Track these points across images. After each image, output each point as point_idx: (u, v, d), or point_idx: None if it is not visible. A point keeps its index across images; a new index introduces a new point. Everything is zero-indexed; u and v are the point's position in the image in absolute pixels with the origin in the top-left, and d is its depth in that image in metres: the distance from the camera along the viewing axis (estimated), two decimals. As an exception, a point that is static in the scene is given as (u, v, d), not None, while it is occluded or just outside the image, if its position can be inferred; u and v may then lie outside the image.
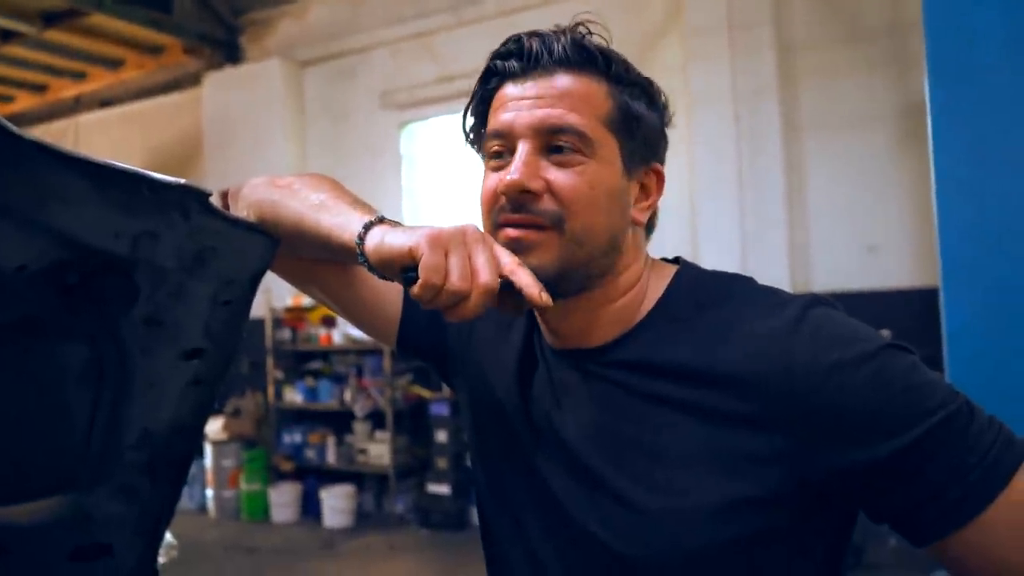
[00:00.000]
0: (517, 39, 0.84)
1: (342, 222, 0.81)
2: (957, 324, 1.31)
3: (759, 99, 4.80)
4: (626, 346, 0.84)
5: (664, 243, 4.69)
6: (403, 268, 0.73)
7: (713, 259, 4.69)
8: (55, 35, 6.36)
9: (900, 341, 0.75)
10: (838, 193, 4.79)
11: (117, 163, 0.63)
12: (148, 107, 7.64)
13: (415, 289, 0.70)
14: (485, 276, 0.71)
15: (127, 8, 6.01)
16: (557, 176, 0.79)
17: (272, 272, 0.96)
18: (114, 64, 7.09)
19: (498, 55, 0.85)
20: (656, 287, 0.86)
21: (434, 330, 1.04)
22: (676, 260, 0.91)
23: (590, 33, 0.84)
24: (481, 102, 0.88)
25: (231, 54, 7.00)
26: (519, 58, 0.83)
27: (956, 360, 1.32)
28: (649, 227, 0.91)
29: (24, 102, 7.85)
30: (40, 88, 7.66)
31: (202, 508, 6.31)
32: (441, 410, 5.50)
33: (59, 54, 6.77)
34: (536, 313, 0.90)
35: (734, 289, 0.83)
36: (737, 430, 0.74)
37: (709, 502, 0.75)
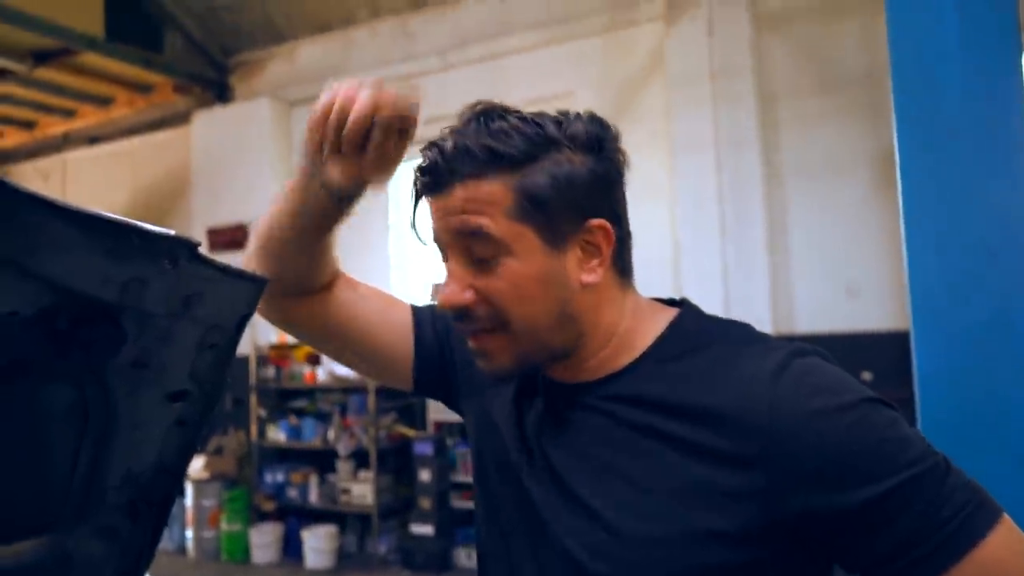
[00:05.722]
0: (425, 150, 0.86)
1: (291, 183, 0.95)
2: (927, 368, 1.35)
3: (741, 146, 4.89)
4: (616, 382, 0.87)
5: (647, 288, 4.71)
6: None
7: (696, 303, 4.72)
8: (45, 73, 6.41)
9: (883, 397, 0.77)
10: (818, 238, 4.87)
11: (108, 213, 0.65)
12: (137, 144, 7.68)
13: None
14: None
15: (119, 48, 6.08)
16: (484, 283, 0.84)
17: (301, 339, 1.12)
18: (104, 102, 7.14)
19: (417, 169, 0.88)
20: (649, 332, 0.88)
21: (444, 359, 1.08)
22: (682, 302, 0.93)
23: (488, 121, 0.83)
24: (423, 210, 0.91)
25: (221, 93, 7.07)
26: (425, 174, 0.86)
27: (927, 402, 1.35)
28: (624, 270, 0.90)
29: (12, 138, 7.88)
30: (29, 124, 7.69)
31: (181, 549, 6.20)
32: (425, 449, 5.47)
33: (49, 92, 6.82)
34: None
35: (729, 333, 0.86)
36: (715, 465, 0.76)
37: (680, 530, 0.77)
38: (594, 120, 0.86)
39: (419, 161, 0.87)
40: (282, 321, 1.09)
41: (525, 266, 0.83)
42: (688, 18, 5.10)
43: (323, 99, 0.85)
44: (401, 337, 1.08)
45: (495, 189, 0.82)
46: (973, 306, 1.30)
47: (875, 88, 4.62)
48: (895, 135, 1.42)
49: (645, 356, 0.87)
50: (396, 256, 6.41)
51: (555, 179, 0.82)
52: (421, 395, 1.14)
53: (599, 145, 0.85)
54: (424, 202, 0.89)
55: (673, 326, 0.89)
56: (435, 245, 0.89)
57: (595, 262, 0.86)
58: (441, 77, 6.06)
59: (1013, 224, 1.31)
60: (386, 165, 0.87)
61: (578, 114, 0.86)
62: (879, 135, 4.59)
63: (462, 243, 0.84)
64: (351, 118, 0.83)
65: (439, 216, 0.86)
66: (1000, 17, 1.34)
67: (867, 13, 4.61)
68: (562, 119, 0.85)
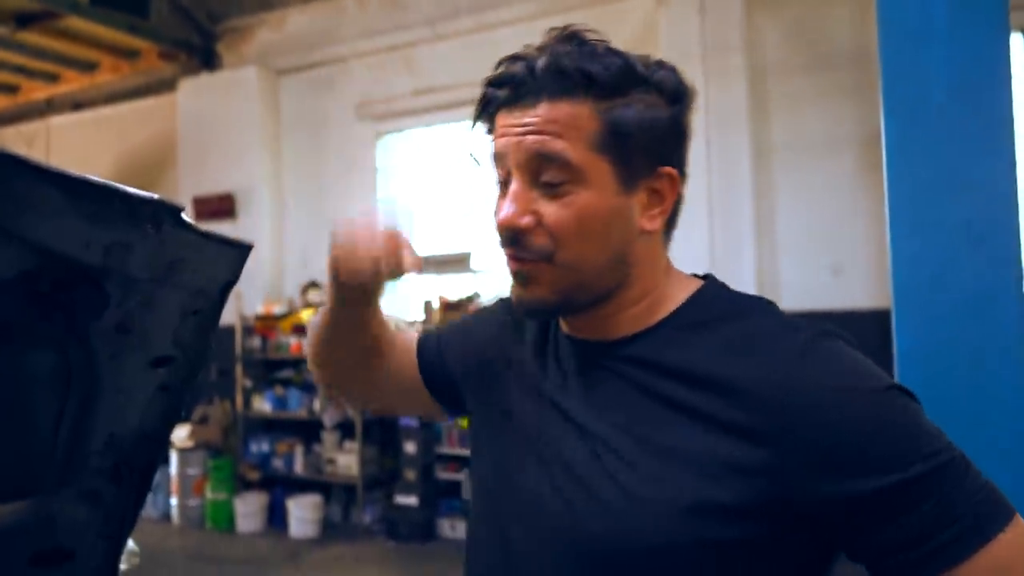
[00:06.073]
0: (504, 63, 0.84)
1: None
2: (907, 347, 1.37)
3: (730, 124, 4.89)
4: (636, 345, 0.85)
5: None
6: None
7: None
8: (28, 36, 6.30)
9: (907, 387, 0.76)
10: (805, 216, 4.90)
11: (92, 176, 0.65)
12: (121, 111, 7.58)
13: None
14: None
15: (103, 12, 5.98)
16: (547, 209, 0.81)
17: (372, 411, 1.15)
18: (88, 67, 7.03)
19: (490, 82, 0.85)
20: (676, 297, 0.87)
21: (446, 368, 1.10)
22: (706, 276, 0.93)
23: (581, 44, 0.82)
24: (485, 126, 0.88)
25: (207, 60, 6.98)
26: (503, 86, 0.83)
27: (905, 381, 1.37)
28: (670, 230, 0.90)
29: (-6, 102, 7.77)
30: (11, 89, 7.57)
31: (166, 516, 6.24)
32: (410, 421, 5.50)
33: (32, 55, 6.70)
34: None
35: (754, 308, 0.84)
36: (725, 437, 0.75)
37: (683, 499, 0.75)
38: (676, 72, 0.85)
39: (496, 72, 0.84)
40: (362, 404, 1.21)
41: (595, 199, 0.81)
42: (680, -7, 5.07)
43: (334, 241, 0.91)
44: (415, 367, 1.12)
45: (582, 113, 0.80)
46: (954, 289, 1.31)
47: (865, 69, 4.62)
48: (882, 117, 1.42)
49: (666, 321, 0.86)
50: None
51: (642, 118, 0.81)
52: (456, 415, 1.15)
53: (680, 98, 0.85)
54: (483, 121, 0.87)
55: (697, 295, 0.87)
56: (494, 162, 0.85)
57: (657, 210, 0.85)
58: (431, 48, 6.01)
59: (998, 209, 1.32)
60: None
61: (661, 61, 0.85)
62: (868, 116, 4.59)
63: (532, 164, 0.81)
64: (363, 274, 0.89)
65: (512, 132, 0.82)
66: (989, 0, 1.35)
67: (860, -8, 4.60)
68: (648, 62, 0.84)
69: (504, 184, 0.85)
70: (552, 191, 0.80)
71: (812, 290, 4.82)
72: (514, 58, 0.83)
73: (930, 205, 1.34)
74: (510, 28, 5.52)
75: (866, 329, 4.35)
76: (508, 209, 0.81)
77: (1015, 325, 1.27)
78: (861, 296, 4.66)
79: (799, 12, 4.97)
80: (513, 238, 0.82)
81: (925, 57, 1.35)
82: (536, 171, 0.81)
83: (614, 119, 0.80)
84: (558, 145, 0.79)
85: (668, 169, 0.84)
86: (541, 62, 0.80)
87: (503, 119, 0.83)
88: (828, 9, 4.87)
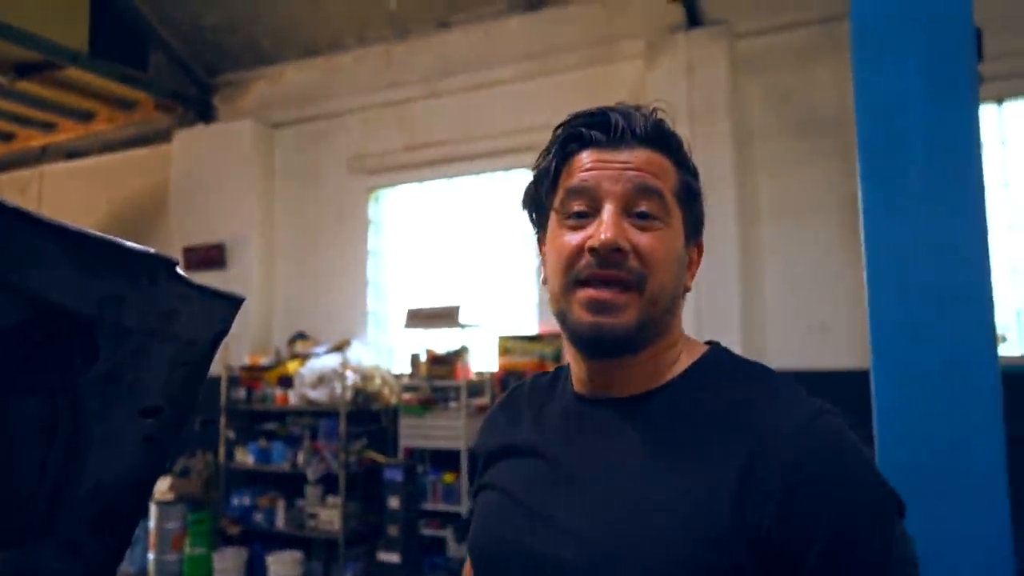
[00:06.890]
0: (602, 112, 0.92)
1: None
2: (885, 406, 1.39)
3: (716, 185, 4.97)
4: (645, 404, 0.89)
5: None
6: None
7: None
8: (27, 85, 6.38)
9: (895, 492, 0.80)
10: (790, 277, 4.96)
11: (88, 230, 0.67)
12: (116, 160, 7.64)
13: None
14: None
15: (102, 63, 6.07)
16: (640, 238, 0.87)
17: None
18: (84, 116, 7.11)
19: (582, 123, 0.92)
20: (686, 358, 0.92)
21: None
22: (710, 343, 0.97)
23: (657, 116, 0.94)
24: (557, 164, 0.94)
25: (203, 112, 7.07)
26: (603, 129, 0.91)
27: (884, 438, 1.38)
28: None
29: (-11, 150, 7.81)
30: (6, 137, 7.63)
31: (142, 572, 6.08)
32: (395, 476, 5.43)
33: (29, 104, 6.78)
34: (583, 362, 0.95)
35: (759, 376, 0.89)
36: (725, 500, 0.77)
37: (676, 557, 0.77)
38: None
39: (590, 117, 0.92)
40: None
41: (675, 238, 0.90)
42: (667, 58, 5.21)
43: None
44: None
45: (669, 166, 0.92)
46: (929, 350, 1.34)
47: (847, 134, 4.71)
48: (859, 184, 1.47)
49: (677, 381, 0.90)
50: (373, 278, 6.42)
51: (698, 189, 0.95)
52: None
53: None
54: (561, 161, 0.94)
55: (703, 360, 0.92)
56: (575, 194, 0.90)
57: (689, 273, 0.94)
58: (425, 104, 6.12)
59: (970, 273, 1.35)
60: None
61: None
62: (850, 179, 4.68)
63: (629, 196, 0.88)
64: None
65: (611, 167, 0.89)
66: (960, 71, 1.40)
67: (841, 60, 4.73)
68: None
69: (581, 215, 0.89)
70: (643, 222, 0.88)
71: (796, 349, 4.86)
72: (607, 110, 0.92)
73: (905, 269, 1.37)
74: (503, 88, 5.63)
75: (849, 388, 4.36)
76: (611, 231, 0.86)
77: (991, 388, 1.29)
78: (844, 355, 4.69)
79: (783, 77, 5.10)
80: (613, 257, 0.86)
81: (900, 127, 1.40)
82: (631, 204, 0.88)
83: (686, 180, 0.93)
84: (658, 183, 0.89)
85: (702, 241, 0.97)
86: (638, 116, 0.92)
87: (594, 156, 0.90)
88: (811, 75, 5.00)
